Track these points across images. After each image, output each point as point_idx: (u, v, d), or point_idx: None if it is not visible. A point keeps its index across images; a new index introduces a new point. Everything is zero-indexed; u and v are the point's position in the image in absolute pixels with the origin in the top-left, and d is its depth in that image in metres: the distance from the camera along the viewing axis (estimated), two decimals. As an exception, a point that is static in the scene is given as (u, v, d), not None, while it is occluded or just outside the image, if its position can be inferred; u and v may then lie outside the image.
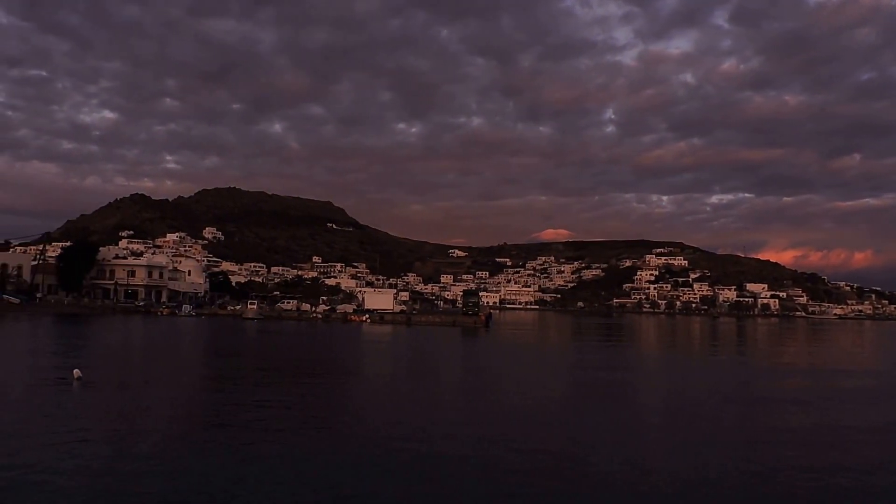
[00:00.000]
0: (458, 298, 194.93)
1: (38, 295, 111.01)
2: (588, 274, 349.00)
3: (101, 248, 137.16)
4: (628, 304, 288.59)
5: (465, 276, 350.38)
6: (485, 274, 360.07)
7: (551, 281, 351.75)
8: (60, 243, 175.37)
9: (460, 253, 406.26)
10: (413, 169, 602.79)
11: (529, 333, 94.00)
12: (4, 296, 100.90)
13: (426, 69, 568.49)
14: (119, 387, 28.58)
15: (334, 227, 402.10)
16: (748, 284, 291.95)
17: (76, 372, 29.16)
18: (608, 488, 15.24)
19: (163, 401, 25.18)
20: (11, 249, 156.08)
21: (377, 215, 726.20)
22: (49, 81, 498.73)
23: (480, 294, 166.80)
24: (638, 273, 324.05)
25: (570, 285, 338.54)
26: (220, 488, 14.24)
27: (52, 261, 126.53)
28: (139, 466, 15.69)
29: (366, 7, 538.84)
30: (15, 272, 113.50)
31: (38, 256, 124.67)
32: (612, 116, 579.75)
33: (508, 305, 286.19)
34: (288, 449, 17.74)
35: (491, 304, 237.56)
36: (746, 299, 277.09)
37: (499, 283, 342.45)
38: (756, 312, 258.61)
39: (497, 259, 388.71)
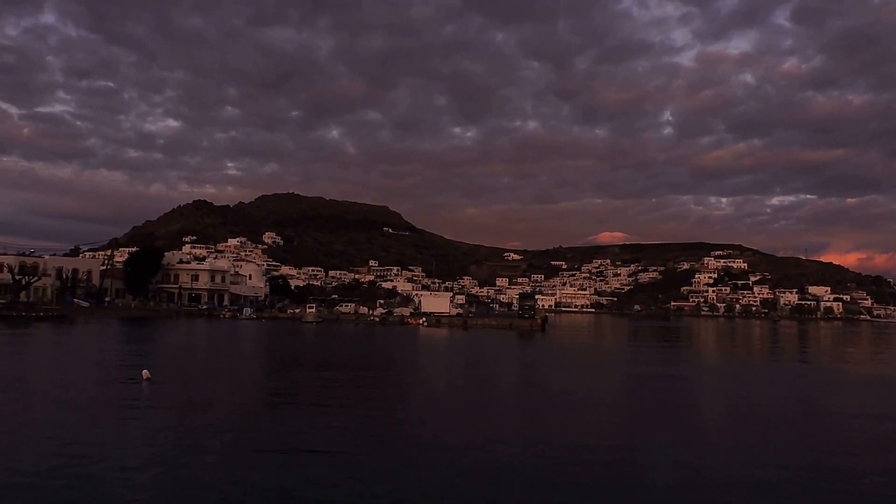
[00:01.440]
0: (514, 301, 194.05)
1: (107, 299, 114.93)
2: (644, 277, 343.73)
3: (165, 253, 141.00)
4: (686, 308, 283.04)
5: (520, 280, 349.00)
6: (540, 277, 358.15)
7: (607, 284, 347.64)
8: (127, 249, 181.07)
9: (515, 256, 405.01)
10: (468, 173, 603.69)
11: (586, 336, 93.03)
12: (75, 300, 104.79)
13: (481, 73, 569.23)
14: (185, 387, 29.40)
15: (390, 231, 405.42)
16: (810, 287, 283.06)
17: (145, 373, 29.98)
18: (668, 496, 14.95)
19: (226, 400, 25.78)
20: (81, 255, 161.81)
21: (433, 219, 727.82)
22: (116, 92, 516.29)
23: (536, 297, 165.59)
24: (696, 276, 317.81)
25: (627, 288, 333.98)
26: (278, 486, 14.48)
27: (119, 266, 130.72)
28: (202, 462, 16.11)
29: (421, 13, 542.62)
30: (85, 277, 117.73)
31: (106, 262, 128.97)
32: (670, 118, 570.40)
33: (564, 308, 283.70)
34: (347, 449, 17.92)
35: (546, 307, 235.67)
36: (808, 302, 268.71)
37: (554, 285, 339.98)
38: (819, 316, 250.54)
39: (552, 262, 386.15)
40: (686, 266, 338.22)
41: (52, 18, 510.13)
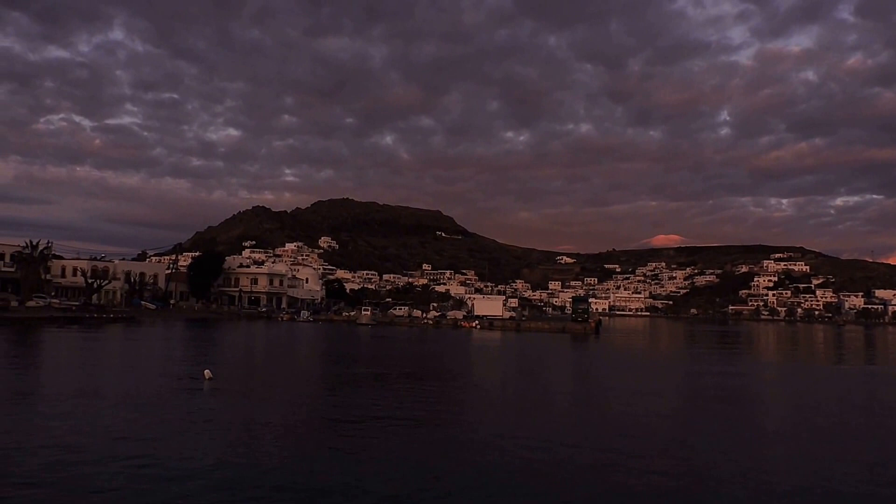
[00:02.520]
0: (567, 305, 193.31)
1: (172, 301, 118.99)
2: (701, 280, 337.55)
3: (226, 258, 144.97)
4: (745, 312, 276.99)
5: (573, 283, 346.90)
6: (593, 280, 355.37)
7: (662, 287, 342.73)
8: (191, 253, 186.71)
9: (568, 259, 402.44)
10: (521, 176, 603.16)
11: (641, 340, 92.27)
12: (142, 302, 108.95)
13: (534, 77, 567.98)
14: (245, 386, 30.66)
15: (443, 235, 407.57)
16: (877, 291, 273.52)
17: (207, 373, 31.08)
18: None
19: (285, 400, 26.87)
20: (148, 259, 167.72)
21: (485, 223, 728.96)
22: (180, 103, 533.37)
23: (589, 300, 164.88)
24: (755, 279, 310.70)
25: (683, 292, 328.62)
26: (332, 481, 15.18)
27: (183, 270, 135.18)
28: (262, 461, 16.83)
29: (473, 18, 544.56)
30: (151, 280, 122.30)
31: (171, 266, 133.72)
32: (727, 118, 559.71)
33: (618, 312, 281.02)
34: (402, 450, 18.42)
35: (600, 310, 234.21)
36: (875, 306, 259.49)
37: (608, 289, 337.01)
38: (886, 320, 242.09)
39: (606, 265, 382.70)
40: (745, 269, 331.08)
41: (121, 35, 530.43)
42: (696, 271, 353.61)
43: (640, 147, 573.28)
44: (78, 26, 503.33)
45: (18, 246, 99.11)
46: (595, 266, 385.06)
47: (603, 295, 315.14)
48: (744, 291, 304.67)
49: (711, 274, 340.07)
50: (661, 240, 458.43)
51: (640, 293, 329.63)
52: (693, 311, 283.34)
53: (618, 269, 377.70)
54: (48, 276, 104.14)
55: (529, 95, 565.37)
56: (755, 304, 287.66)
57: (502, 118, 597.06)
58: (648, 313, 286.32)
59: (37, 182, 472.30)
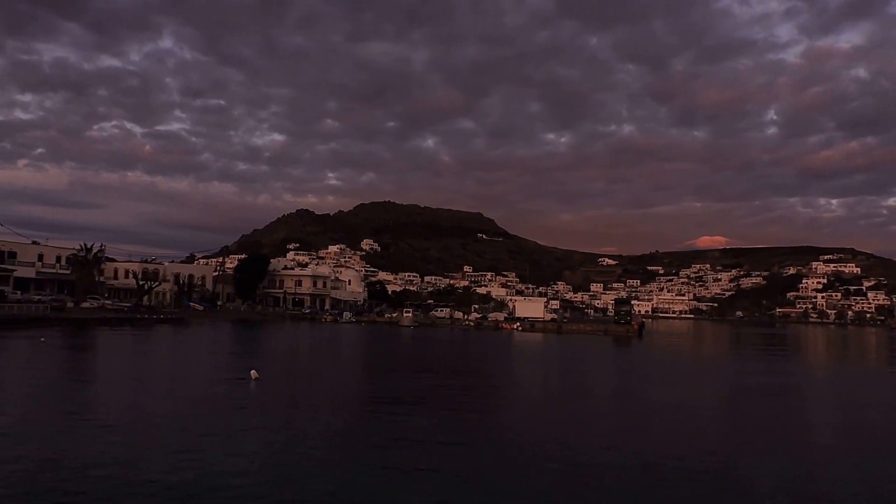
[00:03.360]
0: (609, 307, 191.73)
1: (219, 303, 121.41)
2: (747, 282, 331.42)
3: (271, 260, 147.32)
4: (793, 314, 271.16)
5: (615, 285, 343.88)
6: (636, 282, 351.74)
7: (707, 289, 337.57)
8: (237, 256, 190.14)
9: (610, 261, 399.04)
10: (562, 178, 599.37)
11: (685, 343, 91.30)
12: (191, 303, 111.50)
13: (575, 78, 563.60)
14: (290, 387, 31.47)
15: (484, 237, 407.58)
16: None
17: (253, 373, 31.68)
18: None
19: (329, 400, 27.49)
20: (196, 262, 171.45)
21: (526, 225, 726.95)
22: (226, 109, 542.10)
23: (632, 302, 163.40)
24: (803, 281, 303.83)
25: (728, 294, 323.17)
26: (376, 478, 15.68)
27: (230, 272, 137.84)
28: (306, 461, 17.31)
29: (514, 21, 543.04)
30: (199, 282, 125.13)
31: (218, 268, 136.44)
32: (775, 117, 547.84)
33: (661, 314, 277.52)
34: (446, 454, 18.73)
35: (643, 312, 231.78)
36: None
37: (651, 291, 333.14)
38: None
39: (648, 267, 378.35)
40: (792, 271, 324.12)
41: (170, 43, 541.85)
42: (741, 273, 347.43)
43: (685, 147, 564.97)
44: (129, 35, 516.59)
45: (73, 249, 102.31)
46: (638, 268, 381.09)
47: (646, 297, 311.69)
48: (792, 294, 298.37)
49: (758, 276, 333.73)
50: (706, 241, 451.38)
51: (683, 295, 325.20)
52: (739, 313, 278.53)
53: (661, 271, 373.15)
54: (101, 278, 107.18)
55: (571, 97, 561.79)
56: (803, 306, 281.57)
57: (543, 120, 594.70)
58: (692, 316, 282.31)
59: (90, 187, 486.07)
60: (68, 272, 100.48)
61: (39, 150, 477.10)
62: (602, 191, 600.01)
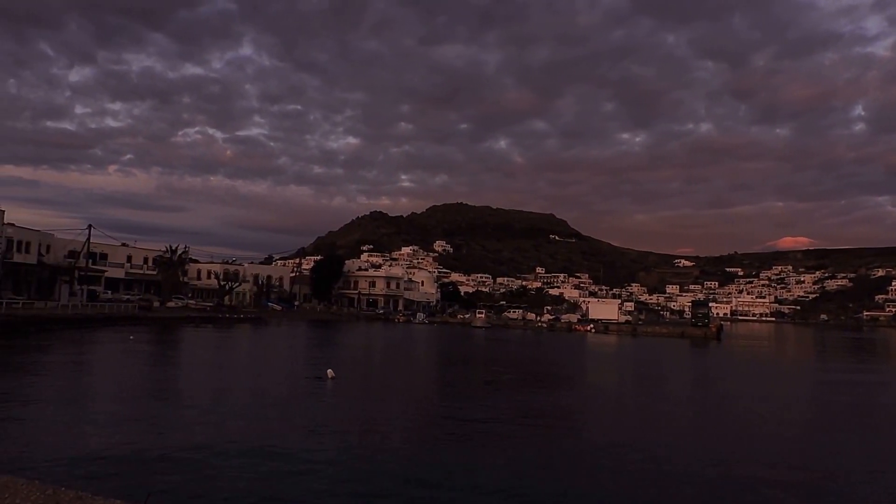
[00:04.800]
0: (686, 309, 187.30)
1: (296, 303, 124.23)
2: (832, 284, 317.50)
3: (346, 262, 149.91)
4: (882, 318, 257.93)
5: (692, 287, 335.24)
6: (714, 284, 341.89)
7: (789, 292, 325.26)
8: (313, 257, 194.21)
9: (686, 263, 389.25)
10: (637, 178, 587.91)
11: (766, 347, 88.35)
12: (269, 303, 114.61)
13: (651, 77, 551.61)
14: (366, 385, 32.02)
15: (557, 238, 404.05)
16: None
17: (330, 372, 32.07)
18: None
19: (403, 398, 27.81)
20: (274, 263, 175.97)
21: (600, 226, 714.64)
22: (303, 114, 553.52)
23: (710, 304, 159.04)
24: (893, 283, 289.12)
25: (811, 296, 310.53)
26: (449, 474, 15.76)
27: (306, 273, 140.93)
28: (381, 457, 17.58)
29: (588, 20, 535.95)
30: (277, 283, 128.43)
31: (295, 269, 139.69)
32: (862, 113, 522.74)
33: (740, 317, 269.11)
34: (518, 453, 18.65)
35: (721, 315, 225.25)
36: None
37: (729, 293, 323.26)
38: None
39: (727, 269, 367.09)
40: (881, 272, 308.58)
41: (250, 51, 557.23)
42: (826, 274, 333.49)
43: (766, 146, 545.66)
44: (211, 44, 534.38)
45: (159, 251, 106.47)
46: (716, 269, 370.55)
47: (724, 299, 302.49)
48: (880, 296, 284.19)
49: (844, 277, 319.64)
50: (788, 242, 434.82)
51: (764, 297, 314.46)
52: (823, 316, 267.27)
53: (740, 273, 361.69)
54: (186, 279, 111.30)
55: (646, 96, 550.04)
56: (893, 309, 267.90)
57: (618, 120, 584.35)
58: (774, 319, 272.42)
59: (175, 191, 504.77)
60: (155, 273, 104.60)
61: (128, 157, 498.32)
62: (678, 191, 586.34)
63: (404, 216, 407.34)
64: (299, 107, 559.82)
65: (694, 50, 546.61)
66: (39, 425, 18.82)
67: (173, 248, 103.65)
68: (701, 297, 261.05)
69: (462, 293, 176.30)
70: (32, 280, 77.55)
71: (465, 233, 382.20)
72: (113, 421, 20.26)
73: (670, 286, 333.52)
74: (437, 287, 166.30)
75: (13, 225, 74.49)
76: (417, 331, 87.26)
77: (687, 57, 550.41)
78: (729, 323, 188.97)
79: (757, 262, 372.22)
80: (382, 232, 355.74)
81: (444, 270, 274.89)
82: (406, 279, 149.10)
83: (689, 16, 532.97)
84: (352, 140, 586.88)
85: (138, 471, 14.74)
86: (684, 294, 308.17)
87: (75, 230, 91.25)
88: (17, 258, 74.08)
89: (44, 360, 35.84)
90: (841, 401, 32.76)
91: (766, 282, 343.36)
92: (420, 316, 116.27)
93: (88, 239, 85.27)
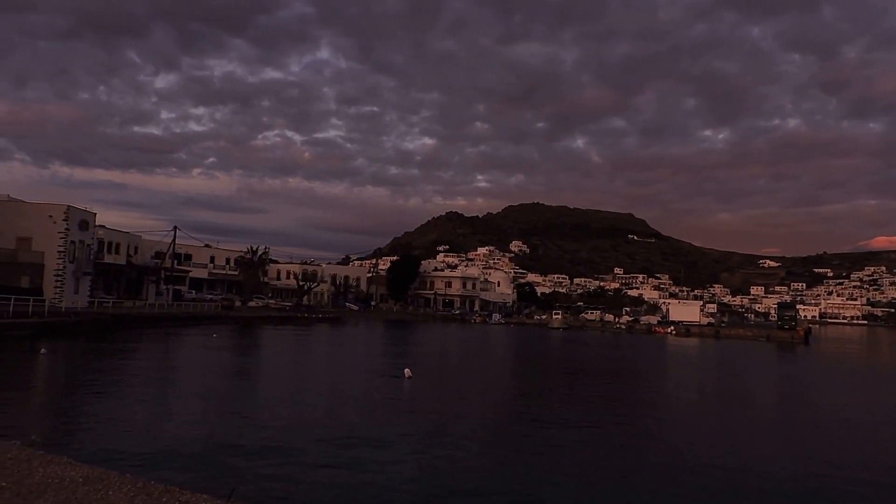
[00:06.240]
0: (771, 311, 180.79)
1: (373, 303, 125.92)
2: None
3: (422, 262, 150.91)
4: None
5: (777, 288, 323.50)
6: (801, 285, 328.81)
7: (883, 293, 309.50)
8: (389, 258, 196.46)
9: (772, 263, 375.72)
10: (720, 176, 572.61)
11: (858, 351, 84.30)
12: (347, 303, 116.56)
13: (735, 71, 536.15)
14: (442, 386, 31.96)
15: (635, 238, 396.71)
16: None
17: (407, 371, 32.29)
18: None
19: (480, 399, 27.70)
20: (351, 263, 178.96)
21: (680, 226, 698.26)
22: (379, 115, 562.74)
23: (797, 306, 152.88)
24: None
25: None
26: (520, 478, 15.51)
27: (382, 273, 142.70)
28: (458, 456, 17.55)
29: (669, 14, 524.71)
30: (354, 283, 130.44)
31: (371, 269, 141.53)
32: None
33: (830, 320, 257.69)
34: (595, 460, 18.32)
35: (809, 317, 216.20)
36: None
37: (818, 295, 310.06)
38: None
39: (815, 269, 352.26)
40: None
41: (327, 54, 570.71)
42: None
43: (858, 141, 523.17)
44: (290, 48, 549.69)
45: (241, 251, 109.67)
46: (803, 270, 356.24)
47: (812, 301, 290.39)
48: None
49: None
50: (882, 241, 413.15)
51: (855, 300, 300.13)
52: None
53: (830, 274, 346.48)
54: (266, 279, 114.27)
55: (730, 91, 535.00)
56: None
57: (699, 116, 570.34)
58: (866, 322, 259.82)
59: (255, 193, 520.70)
60: (236, 273, 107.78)
61: (211, 160, 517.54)
62: (764, 189, 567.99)
63: (480, 216, 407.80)
64: (376, 108, 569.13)
65: (780, 43, 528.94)
66: (129, 420, 19.48)
67: (254, 248, 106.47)
68: (787, 298, 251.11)
69: (539, 294, 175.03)
70: (122, 280, 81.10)
71: (542, 233, 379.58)
72: (198, 417, 20.83)
73: (755, 287, 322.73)
74: (514, 288, 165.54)
75: (104, 227, 78.01)
76: (493, 332, 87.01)
77: (773, 50, 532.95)
78: (817, 326, 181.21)
79: (847, 263, 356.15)
80: (458, 232, 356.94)
81: (521, 271, 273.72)
82: (482, 280, 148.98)
83: (775, 8, 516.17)
84: (428, 141, 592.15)
85: (222, 465, 15.04)
86: (770, 296, 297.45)
87: (161, 231, 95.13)
88: (108, 259, 77.56)
89: (133, 357, 37.37)
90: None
91: (858, 283, 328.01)
92: (496, 317, 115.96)
93: (174, 240, 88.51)
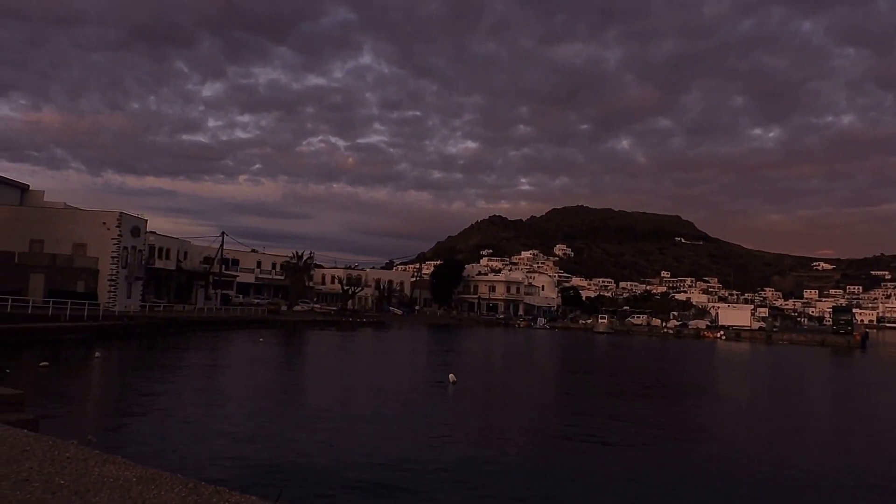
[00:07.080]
0: (826, 315, 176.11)
1: (416, 307, 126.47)
2: None
3: (465, 266, 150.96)
4: None
5: (832, 291, 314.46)
6: (857, 289, 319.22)
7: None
8: (433, 262, 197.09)
9: (826, 266, 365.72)
10: (770, 176, 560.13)
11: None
12: (391, 308, 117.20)
13: (785, 67, 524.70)
14: (487, 391, 31.91)
15: (683, 240, 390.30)
16: None
17: (451, 376, 32.44)
18: None
19: (524, 405, 27.58)
20: (394, 268, 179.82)
21: (729, 227, 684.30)
22: (421, 120, 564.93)
23: (853, 310, 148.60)
24: None
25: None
26: (574, 492, 15.36)
27: (426, 278, 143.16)
28: (502, 460, 17.59)
29: (715, 10, 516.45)
30: (398, 288, 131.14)
31: (415, 274, 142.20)
32: None
33: (888, 324, 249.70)
34: (641, 468, 18.06)
35: (866, 322, 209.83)
36: None
37: (875, 298, 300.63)
38: None
39: (873, 272, 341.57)
40: None
41: (369, 59, 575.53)
42: None
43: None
44: (332, 54, 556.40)
45: (286, 257, 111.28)
46: (859, 273, 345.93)
47: (869, 305, 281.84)
48: None
49: None
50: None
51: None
52: None
53: (887, 276, 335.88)
54: (311, 283, 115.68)
55: (780, 88, 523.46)
56: None
57: (748, 114, 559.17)
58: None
59: (300, 199, 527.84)
60: (282, 278, 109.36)
61: (257, 166, 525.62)
62: (817, 188, 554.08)
63: (524, 220, 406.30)
64: (418, 112, 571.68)
65: (833, 37, 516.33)
66: (180, 421, 19.88)
67: (300, 253, 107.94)
68: (843, 302, 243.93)
69: (584, 298, 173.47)
70: (172, 284, 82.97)
71: (586, 236, 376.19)
72: (245, 419, 21.14)
73: (808, 291, 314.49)
74: (558, 291, 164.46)
75: (155, 233, 79.93)
76: (538, 336, 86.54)
77: (825, 44, 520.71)
78: (874, 330, 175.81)
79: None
80: (502, 236, 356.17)
81: (565, 275, 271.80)
82: (526, 283, 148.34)
83: (826, 1, 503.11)
84: (470, 144, 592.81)
85: (270, 467, 15.24)
86: (824, 299, 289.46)
87: (209, 237, 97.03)
88: (159, 264, 79.42)
89: (183, 360, 38.16)
90: None
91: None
92: (540, 321, 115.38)
93: (222, 245, 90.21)
